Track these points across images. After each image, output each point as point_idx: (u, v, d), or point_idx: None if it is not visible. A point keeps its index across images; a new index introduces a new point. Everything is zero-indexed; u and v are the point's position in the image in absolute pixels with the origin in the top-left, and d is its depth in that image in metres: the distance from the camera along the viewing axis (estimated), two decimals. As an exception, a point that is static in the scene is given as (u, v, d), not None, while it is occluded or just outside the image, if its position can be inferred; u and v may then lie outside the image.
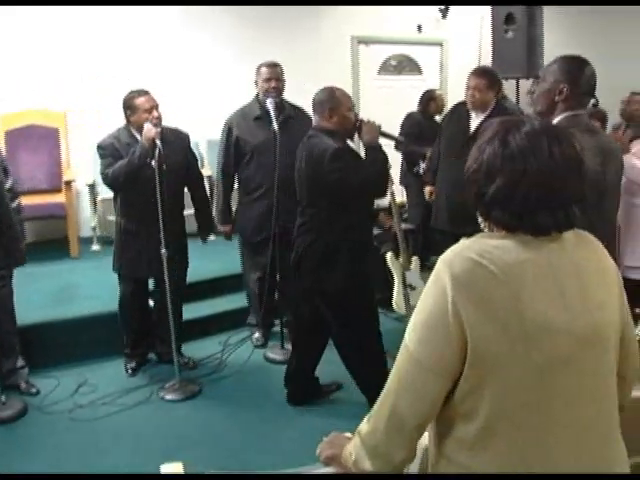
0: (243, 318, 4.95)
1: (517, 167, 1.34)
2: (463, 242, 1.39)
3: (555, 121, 2.65)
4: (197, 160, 4.52)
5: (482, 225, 1.44)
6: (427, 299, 1.36)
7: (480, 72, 4.49)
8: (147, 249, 4.04)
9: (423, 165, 5.77)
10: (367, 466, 1.44)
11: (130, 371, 4.35)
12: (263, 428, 3.70)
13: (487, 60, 6.61)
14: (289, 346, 4.59)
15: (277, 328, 4.73)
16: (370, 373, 3.62)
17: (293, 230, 3.76)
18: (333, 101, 3.53)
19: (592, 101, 2.73)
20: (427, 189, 5.43)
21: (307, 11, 7.34)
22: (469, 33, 8.06)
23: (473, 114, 4.44)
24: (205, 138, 6.52)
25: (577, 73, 2.66)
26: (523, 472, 1.32)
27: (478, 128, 4.33)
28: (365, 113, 7.66)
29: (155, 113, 3.96)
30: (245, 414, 3.87)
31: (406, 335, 1.39)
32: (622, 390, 1.49)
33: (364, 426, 1.49)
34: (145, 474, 3.17)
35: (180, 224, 4.27)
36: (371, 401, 3.77)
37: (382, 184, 3.53)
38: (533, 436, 1.32)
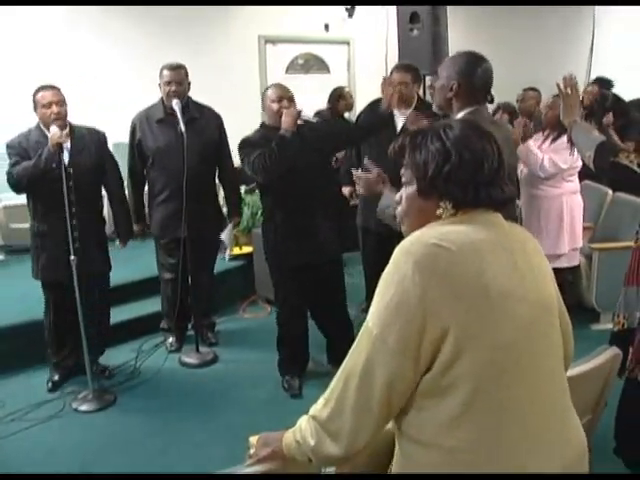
0: (156, 323, 4.85)
1: (465, 149, 1.45)
2: (417, 232, 1.45)
3: (459, 116, 2.70)
4: (115, 160, 4.26)
5: (440, 211, 1.47)
6: (388, 288, 1.39)
7: (405, 67, 4.36)
8: (63, 252, 3.82)
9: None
10: (331, 449, 1.45)
11: (51, 384, 4.14)
12: (181, 431, 3.65)
13: (394, 58, 6.70)
14: (204, 349, 4.54)
15: (191, 332, 4.66)
16: None
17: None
18: (262, 98, 3.89)
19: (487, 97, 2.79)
20: (346, 189, 5.19)
21: (214, 11, 7.28)
22: (375, 32, 8.17)
23: (396, 111, 4.23)
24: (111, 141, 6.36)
25: (470, 70, 2.71)
26: (501, 446, 1.36)
27: (404, 125, 4.20)
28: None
29: (54, 108, 3.78)
30: (162, 419, 3.80)
31: (368, 321, 1.42)
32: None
33: (321, 411, 1.48)
34: (144, 474, 3.13)
35: (98, 225, 4.13)
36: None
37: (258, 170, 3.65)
38: (507, 411, 1.37)
